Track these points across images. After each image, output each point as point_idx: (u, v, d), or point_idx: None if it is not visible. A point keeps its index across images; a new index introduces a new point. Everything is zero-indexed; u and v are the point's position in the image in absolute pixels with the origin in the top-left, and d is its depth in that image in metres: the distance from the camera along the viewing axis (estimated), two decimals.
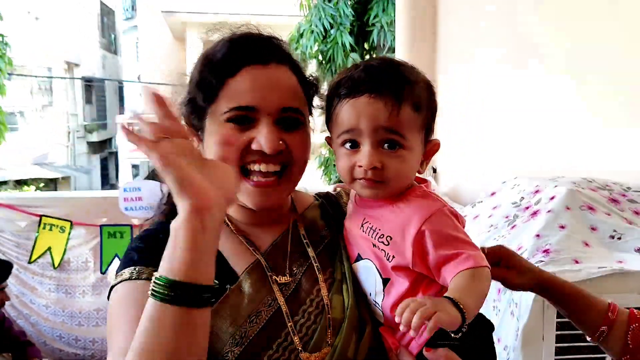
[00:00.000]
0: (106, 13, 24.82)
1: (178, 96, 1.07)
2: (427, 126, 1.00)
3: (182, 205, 0.78)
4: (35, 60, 17.81)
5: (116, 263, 3.77)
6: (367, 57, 7.73)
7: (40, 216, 3.63)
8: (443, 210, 0.96)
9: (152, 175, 3.12)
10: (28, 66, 17.32)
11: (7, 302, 3.64)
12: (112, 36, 26.21)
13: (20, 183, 17.09)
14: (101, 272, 3.74)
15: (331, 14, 7.00)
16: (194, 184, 0.79)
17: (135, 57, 27.22)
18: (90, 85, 22.55)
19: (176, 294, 0.75)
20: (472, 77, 3.55)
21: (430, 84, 1.01)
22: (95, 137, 22.25)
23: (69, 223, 3.67)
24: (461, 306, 0.84)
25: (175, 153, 0.79)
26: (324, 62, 7.40)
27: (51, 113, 19.67)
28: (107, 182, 23.30)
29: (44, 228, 3.64)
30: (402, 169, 0.98)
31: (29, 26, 18.32)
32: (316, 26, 6.96)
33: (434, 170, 3.96)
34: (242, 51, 1.01)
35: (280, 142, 0.98)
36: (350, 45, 7.05)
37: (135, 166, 21.06)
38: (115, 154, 22.63)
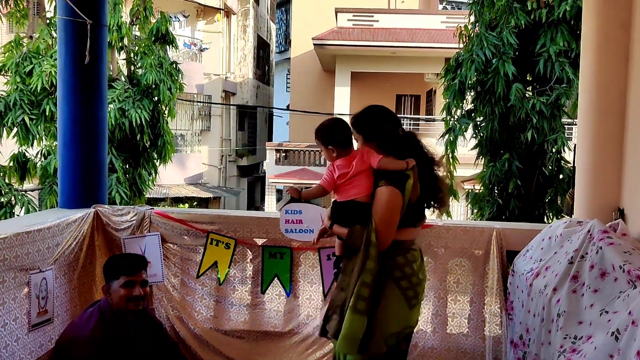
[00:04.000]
0: (262, 46, 26.31)
1: None
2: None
3: None
4: (198, 88, 19.22)
5: (276, 283, 3.78)
6: (530, 88, 7.31)
7: (208, 232, 3.75)
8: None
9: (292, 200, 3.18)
10: (191, 94, 18.74)
11: (172, 313, 3.80)
12: (266, 67, 27.69)
13: (176, 201, 18.38)
14: (261, 292, 3.76)
15: (494, 42, 6.72)
16: None
17: (285, 88, 28.58)
18: (243, 113, 23.89)
19: None
20: None
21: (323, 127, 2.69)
22: (244, 162, 23.46)
23: (234, 240, 3.75)
24: None
25: None
26: (482, 92, 7.10)
27: (208, 137, 21.08)
28: (252, 204, 24.40)
29: (211, 243, 3.75)
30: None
31: (194, 57, 19.88)
32: (477, 55, 6.70)
33: (621, 212, 3.52)
34: None
35: None
36: (513, 75, 6.69)
37: (279, 191, 21.84)
38: (262, 178, 23.67)
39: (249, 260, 3.82)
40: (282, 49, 29.68)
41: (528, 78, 7.28)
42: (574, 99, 6.75)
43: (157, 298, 3.81)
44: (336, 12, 19.16)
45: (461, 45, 7.44)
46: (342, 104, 18.61)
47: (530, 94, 7.08)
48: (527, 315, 3.02)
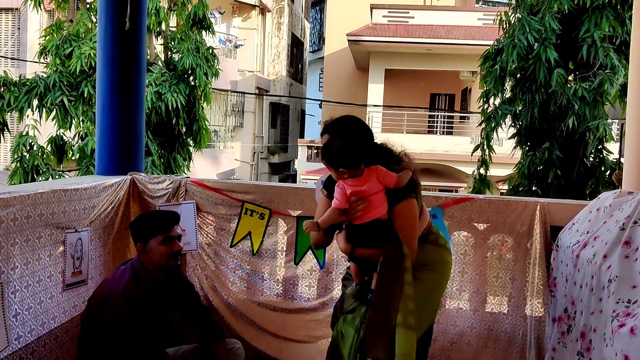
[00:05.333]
0: (296, 44, 26.37)
1: None
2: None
3: None
4: (232, 85, 19.30)
5: (309, 255, 3.71)
6: (571, 76, 7.10)
7: (243, 201, 3.70)
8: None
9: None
10: (225, 90, 18.82)
11: (205, 282, 3.77)
12: (299, 66, 27.74)
13: None
14: (295, 263, 3.70)
15: (536, 28, 6.53)
16: None
17: (317, 87, 28.56)
18: (276, 111, 23.95)
19: None
20: None
21: (332, 151, 2.37)
22: (276, 159, 23.50)
23: (268, 211, 3.70)
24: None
25: None
26: (523, 79, 6.91)
27: (241, 134, 21.17)
28: None
29: (245, 213, 3.70)
30: None
31: (229, 53, 20.01)
32: (519, 40, 6.51)
33: None
34: None
35: None
36: (555, 61, 6.49)
37: None
38: (293, 176, 23.69)
39: (282, 231, 3.76)
40: (316, 48, 29.72)
41: (570, 66, 7.07)
42: (617, 87, 6.53)
43: (191, 267, 3.78)
44: (371, 8, 19.06)
45: (501, 33, 7.27)
46: (376, 101, 18.49)
47: (572, 81, 6.87)
48: (573, 288, 2.88)
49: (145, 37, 3.92)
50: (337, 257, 3.75)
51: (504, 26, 7.22)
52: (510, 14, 7.17)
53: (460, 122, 19.77)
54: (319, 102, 23.07)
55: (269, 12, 22.19)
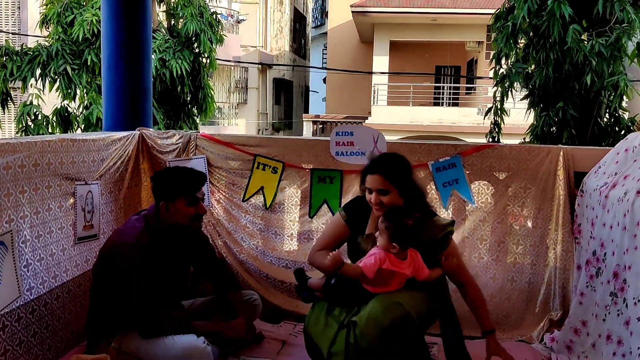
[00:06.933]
0: (298, 19, 26.05)
1: None
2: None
3: None
4: (235, 60, 19.09)
5: (324, 209, 3.61)
6: (585, 35, 6.89)
7: (255, 155, 3.60)
8: None
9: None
10: (228, 65, 18.63)
11: (218, 238, 3.68)
12: (302, 41, 27.43)
13: None
14: (309, 217, 3.60)
15: None
16: None
17: (321, 63, 28.25)
18: (280, 87, 23.74)
19: None
20: None
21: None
22: (281, 136, 23.34)
23: (281, 164, 3.59)
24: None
25: None
26: (535, 38, 6.72)
27: (245, 110, 21.02)
28: None
29: (257, 167, 3.60)
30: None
31: (231, 28, 19.76)
32: None
33: None
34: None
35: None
36: (570, 17, 6.29)
37: None
38: None
39: (296, 185, 3.66)
40: (319, 24, 29.34)
41: (584, 24, 6.85)
42: (635, 42, 6.33)
43: (203, 223, 3.67)
44: None
45: None
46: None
47: (587, 39, 6.66)
48: (602, 229, 2.78)
49: None
50: None
51: None
52: None
53: (466, 93, 19.54)
54: (325, 71, 22.82)
55: None
